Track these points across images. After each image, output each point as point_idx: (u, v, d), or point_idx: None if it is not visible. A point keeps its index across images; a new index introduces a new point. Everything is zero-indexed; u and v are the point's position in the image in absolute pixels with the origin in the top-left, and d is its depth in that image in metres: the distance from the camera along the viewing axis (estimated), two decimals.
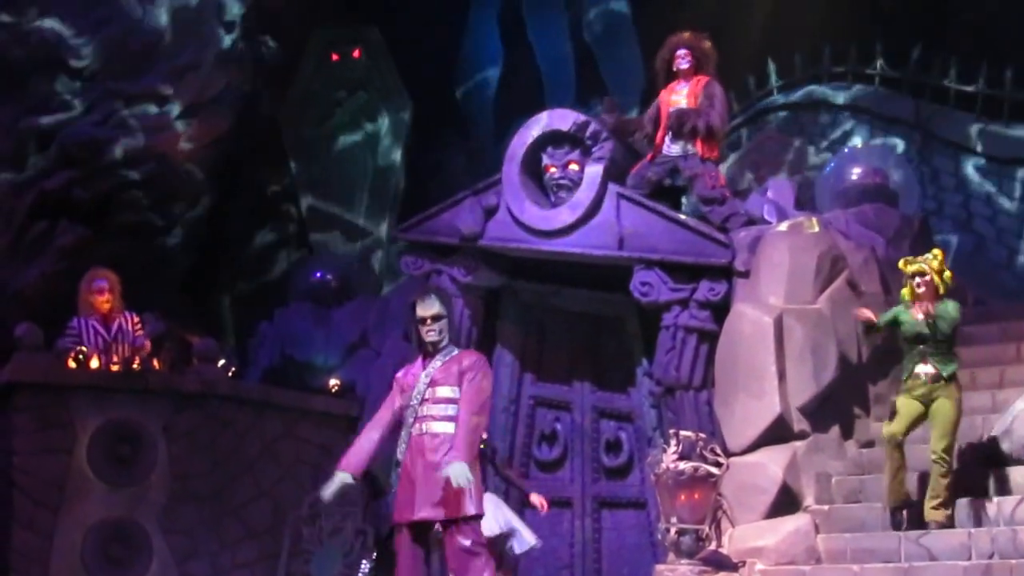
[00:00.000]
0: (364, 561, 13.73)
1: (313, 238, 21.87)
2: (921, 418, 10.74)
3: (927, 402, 10.70)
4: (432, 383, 9.72)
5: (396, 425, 9.78)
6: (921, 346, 10.75)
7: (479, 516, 9.77)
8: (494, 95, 23.86)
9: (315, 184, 22.01)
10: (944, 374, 10.68)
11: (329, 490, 9.50)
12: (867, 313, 11.08)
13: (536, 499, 12.27)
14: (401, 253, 14.46)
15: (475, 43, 24.00)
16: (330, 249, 21.63)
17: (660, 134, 13.12)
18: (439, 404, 9.66)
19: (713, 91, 13.04)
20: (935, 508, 10.67)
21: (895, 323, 10.92)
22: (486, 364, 9.92)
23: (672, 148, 13.06)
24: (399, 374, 10.01)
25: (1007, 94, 18.69)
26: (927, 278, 10.82)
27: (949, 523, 10.63)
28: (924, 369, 10.72)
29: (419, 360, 9.93)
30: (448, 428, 9.63)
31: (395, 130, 22.53)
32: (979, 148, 18.86)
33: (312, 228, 21.86)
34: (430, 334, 9.65)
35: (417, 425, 9.69)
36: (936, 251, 11.14)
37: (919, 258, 11.04)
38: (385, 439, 9.77)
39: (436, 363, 9.74)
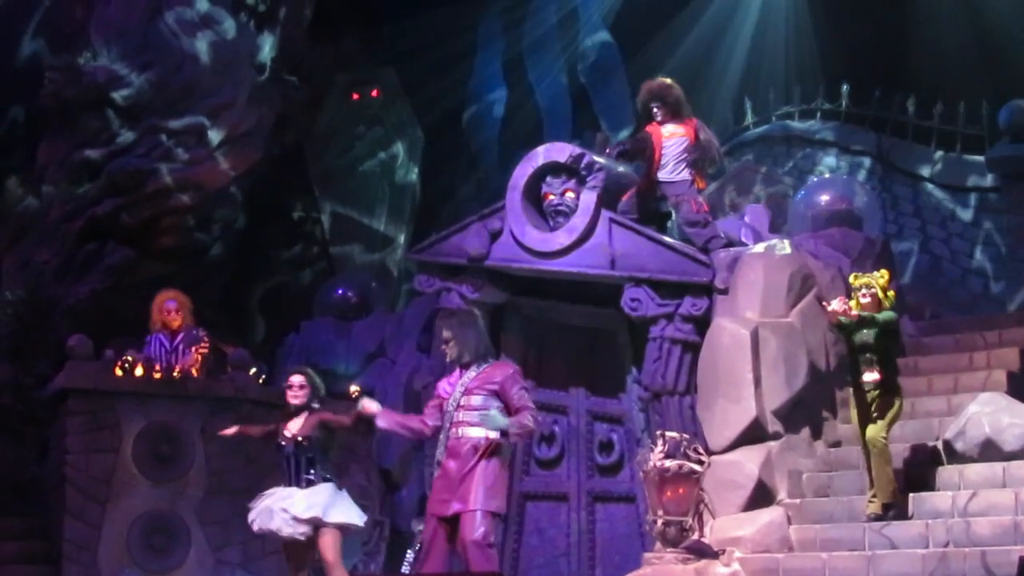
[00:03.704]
0: (408, 551, 13.65)
1: (335, 251, 21.87)
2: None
3: (872, 404, 10.72)
4: (467, 392, 9.77)
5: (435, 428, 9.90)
6: (867, 355, 10.77)
7: (496, 513, 9.79)
8: (498, 129, 23.85)
9: (337, 203, 22.04)
10: (885, 382, 10.68)
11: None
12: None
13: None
14: (415, 273, 14.46)
15: (481, 83, 23.99)
16: (352, 260, 21.65)
17: (656, 161, 13.00)
18: (472, 411, 9.68)
19: (710, 136, 13.13)
20: (871, 500, 10.68)
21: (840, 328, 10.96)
22: (519, 374, 10.00)
23: (662, 175, 13.04)
24: (441, 383, 10.09)
25: (960, 128, 18.70)
26: (872, 291, 10.85)
27: (884, 514, 10.60)
28: (870, 376, 10.74)
29: (456, 371, 9.99)
30: (479, 433, 9.65)
31: (410, 156, 22.58)
32: (935, 177, 18.86)
33: (334, 242, 21.87)
34: (447, 353, 9.86)
35: (453, 430, 9.73)
36: (883, 271, 11.16)
37: (867, 274, 11.07)
38: (414, 426, 10.01)
39: (471, 373, 9.82)
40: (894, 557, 10.24)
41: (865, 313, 10.69)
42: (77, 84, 17.17)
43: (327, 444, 10.29)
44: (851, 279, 11.15)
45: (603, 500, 13.36)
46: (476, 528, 9.48)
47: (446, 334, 9.98)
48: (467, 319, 10.34)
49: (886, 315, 10.78)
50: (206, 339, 14.37)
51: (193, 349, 14.20)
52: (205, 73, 17.85)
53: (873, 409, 10.69)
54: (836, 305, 10.76)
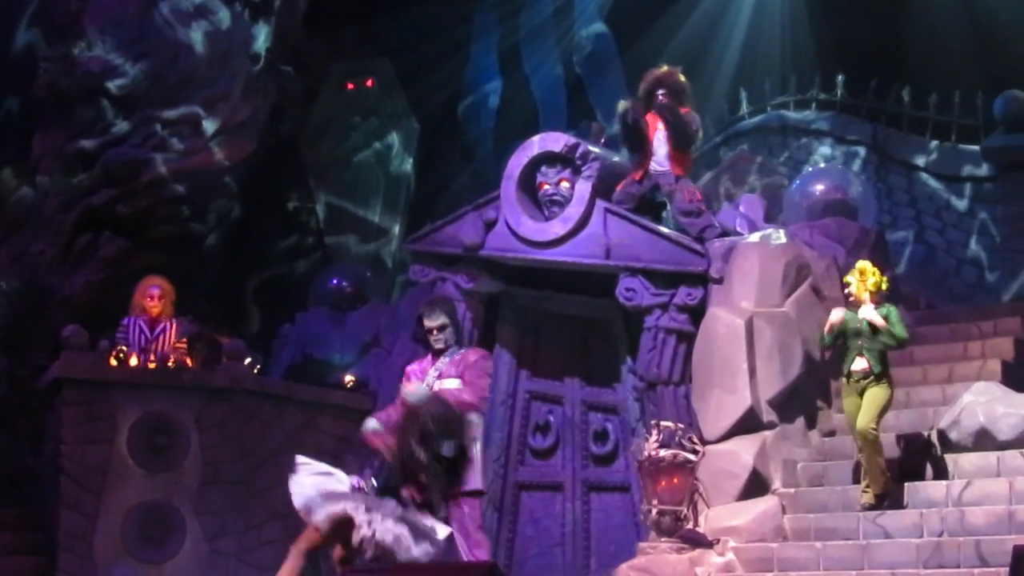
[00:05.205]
0: None
1: (330, 242, 21.87)
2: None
3: (862, 394, 10.72)
4: (440, 376, 9.79)
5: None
6: (859, 341, 10.78)
7: (479, 492, 9.82)
8: (494, 120, 23.83)
9: (332, 194, 22.03)
10: (875, 371, 10.69)
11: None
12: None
13: None
14: (410, 263, 14.43)
15: (477, 74, 23.95)
16: (347, 250, 21.63)
17: (649, 152, 13.02)
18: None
19: (693, 114, 13.11)
20: (865, 490, 10.68)
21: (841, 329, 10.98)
22: (487, 363, 9.95)
23: (655, 167, 13.04)
24: (411, 366, 10.08)
25: (955, 118, 18.69)
26: (877, 295, 10.90)
27: (878, 504, 10.60)
28: (859, 364, 10.76)
29: (429, 356, 9.99)
30: None
31: (405, 147, 22.58)
32: (930, 167, 18.85)
33: (329, 233, 21.87)
34: (437, 343, 9.83)
35: None
36: (873, 272, 11.14)
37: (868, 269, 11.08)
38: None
39: (444, 359, 9.83)
40: (888, 546, 10.25)
41: (883, 333, 10.74)
42: (72, 74, 17.12)
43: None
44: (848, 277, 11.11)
45: (598, 490, 13.36)
46: (462, 509, 9.53)
47: (442, 320, 9.91)
48: (453, 307, 10.39)
49: (904, 334, 10.79)
50: (179, 331, 14.19)
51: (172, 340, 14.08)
52: (200, 63, 17.80)
53: (863, 399, 10.69)
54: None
